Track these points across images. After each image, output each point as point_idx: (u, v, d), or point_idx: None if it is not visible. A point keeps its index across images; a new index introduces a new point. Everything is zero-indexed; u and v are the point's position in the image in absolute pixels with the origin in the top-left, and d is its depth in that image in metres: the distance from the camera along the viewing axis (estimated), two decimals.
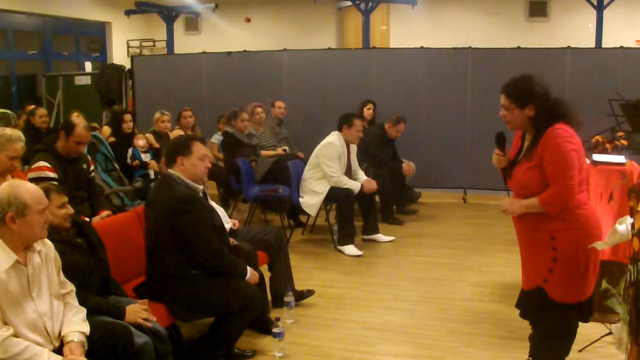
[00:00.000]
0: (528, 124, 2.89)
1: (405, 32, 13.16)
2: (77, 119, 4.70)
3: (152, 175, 6.07)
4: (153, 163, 6.21)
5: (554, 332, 2.95)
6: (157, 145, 6.45)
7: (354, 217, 6.03)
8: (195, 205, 3.47)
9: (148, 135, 6.70)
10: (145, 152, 6.26)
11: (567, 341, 2.99)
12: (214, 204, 4.07)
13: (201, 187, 3.61)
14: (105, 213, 4.47)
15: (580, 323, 3.00)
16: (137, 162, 6.12)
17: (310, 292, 4.59)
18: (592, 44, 9.84)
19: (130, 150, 6.17)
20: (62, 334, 2.64)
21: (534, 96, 2.83)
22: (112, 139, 6.33)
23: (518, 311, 3.12)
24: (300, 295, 4.52)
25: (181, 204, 3.42)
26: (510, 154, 3.04)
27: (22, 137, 3.95)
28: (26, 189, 2.58)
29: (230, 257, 3.56)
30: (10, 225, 2.50)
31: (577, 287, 2.86)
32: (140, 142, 6.21)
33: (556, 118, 2.82)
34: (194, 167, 3.53)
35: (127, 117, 6.55)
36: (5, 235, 2.52)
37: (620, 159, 4.29)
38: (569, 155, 2.77)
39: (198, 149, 3.57)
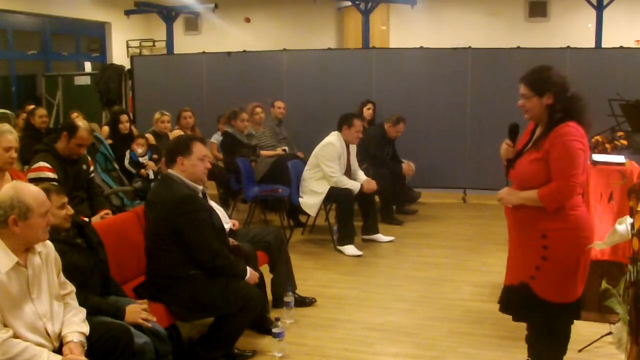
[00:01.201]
0: (545, 114, 2.88)
1: (405, 32, 13.17)
2: (80, 121, 4.69)
3: (152, 176, 6.05)
4: (151, 163, 6.20)
5: (545, 331, 2.95)
6: (155, 156, 6.42)
7: (354, 217, 6.03)
8: (195, 206, 3.47)
9: (148, 135, 6.69)
10: (142, 155, 6.24)
11: (562, 341, 2.99)
12: (213, 204, 4.07)
13: (201, 187, 3.61)
14: (104, 212, 4.47)
15: (578, 323, 3.00)
16: (143, 171, 6.10)
17: (311, 300, 4.59)
18: (592, 44, 9.84)
19: (127, 153, 6.15)
20: (62, 335, 2.64)
21: (552, 84, 2.84)
22: (110, 141, 6.31)
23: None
24: (302, 302, 4.52)
25: (181, 204, 3.42)
26: (518, 145, 3.03)
27: (12, 129, 3.93)
28: (29, 192, 2.58)
29: (230, 258, 3.56)
30: (13, 228, 2.50)
31: (565, 288, 2.86)
32: (139, 149, 6.19)
33: (571, 114, 2.82)
34: (194, 168, 3.53)
35: (124, 117, 6.52)
36: (7, 237, 2.52)
37: (620, 159, 4.28)
38: (576, 153, 2.76)
39: (198, 149, 3.56)
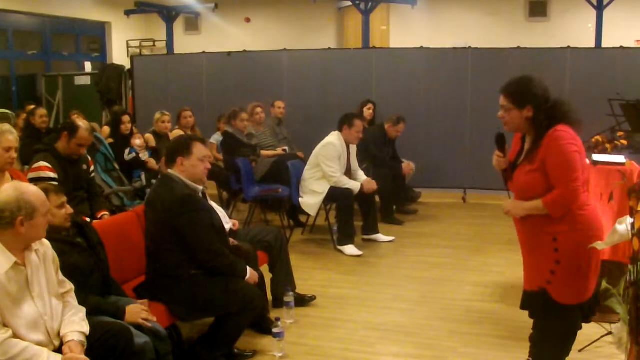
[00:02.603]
0: (526, 126, 2.88)
1: (405, 32, 13.18)
2: (80, 121, 4.70)
3: (145, 182, 6.04)
4: (152, 161, 6.20)
5: (556, 333, 2.94)
6: (153, 145, 6.42)
7: (354, 217, 6.03)
8: (195, 206, 3.47)
9: (148, 135, 6.69)
10: (141, 149, 6.24)
11: (568, 342, 2.99)
12: (213, 204, 4.07)
13: (201, 187, 3.61)
14: (101, 213, 4.48)
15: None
16: (152, 161, 6.10)
17: (311, 298, 4.59)
18: (592, 44, 9.84)
19: (127, 150, 6.15)
20: (62, 334, 2.64)
21: (532, 97, 2.83)
22: (111, 140, 6.31)
23: (518, 311, 3.11)
24: (302, 300, 4.52)
25: (181, 204, 3.42)
26: (510, 155, 3.03)
27: (12, 129, 3.93)
28: (33, 192, 2.59)
29: (230, 257, 3.55)
30: (19, 229, 2.51)
31: (580, 288, 2.85)
32: (137, 141, 6.20)
33: (556, 120, 2.81)
34: (194, 168, 3.53)
35: (126, 118, 6.52)
36: (8, 237, 2.52)
37: (620, 159, 4.29)
38: (572, 157, 2.75)
39: (198, 150, 3.56)
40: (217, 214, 3.74)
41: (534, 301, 2.96)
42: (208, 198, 3.79)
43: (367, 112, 7.82)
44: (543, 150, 2.79)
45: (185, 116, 7.21)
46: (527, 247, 3.01)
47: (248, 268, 3.62)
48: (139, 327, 2.98)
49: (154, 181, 5.59)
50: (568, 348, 3.00)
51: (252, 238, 4.29)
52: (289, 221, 6.67)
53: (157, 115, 6.92)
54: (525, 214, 2.90)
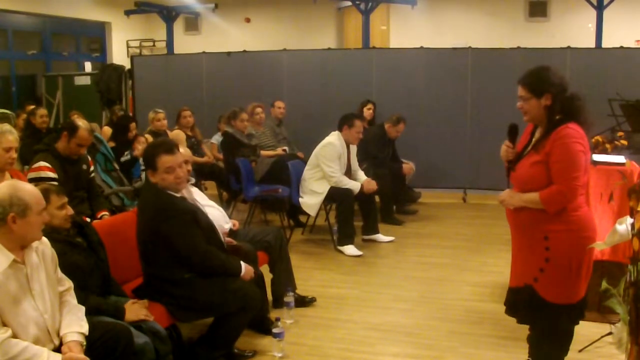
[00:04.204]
0: (544, 115, 2.86)
1: (405, 32, 13.18)
2: (80, 120, 4.69)
3: (144, 181, 6.01)
4: None
5: (549, 332, 2.94)
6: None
7: (354, 217, 6.03)
8: (176, 211, 3.41)
9: (147, 136, 6.67)
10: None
11: (565, 341, 2.99)
12: (213, 204, 4.06)
13: (178, 194, 3.52)
14: (101, 213, 4.47)
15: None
16: (128, 157, 6.08)
17: (311, 300, 4.59)
18: (592, 44, 9.84)
19: (126, 152, 6.14)
20: (61, 334, 2.65)
21: (550, 85, 2.82)
22: (112, 144, 6.29)
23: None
24: (302, 301, 4.51)
25: (162, 211, 3.39)
26: (518, 147, 3.02)
27: (12, 129, 3.94)
28: (27, 190, 2.59)
29: (221, 257, 3.52)
30: (11, 226, 2.51)
31: (568, 289, 2.85)
32: (139, 146, 6.19)
33: (570, 115, 2.81)
34: (163, 181, 3.44)
35: (133, 125, 6.50)
36: (3, 235, 2.52)
37: (620, 159, 4.29)
38: (577, 155, 2.75)
39: (162, 163, 3.40)
40: (203, 212, 3.65)
41: (519, 297, 2.96)
42: (202, 194, 3.72)
43: (367, 112, 7.82)
44: (550, 144, 2.78)
45: (185, 116, 7.21)
46: (517, 243, 3.01)
47: (242, 263, 3.60)
48: (139, 327, 2.98)
49: None
50: (566, 347, 3.00)
51: (251, 238, 4.29)
52: (289, 221, 6.67)
53: (151, 114, 6.92)
54: (520, 205, 2.89)
